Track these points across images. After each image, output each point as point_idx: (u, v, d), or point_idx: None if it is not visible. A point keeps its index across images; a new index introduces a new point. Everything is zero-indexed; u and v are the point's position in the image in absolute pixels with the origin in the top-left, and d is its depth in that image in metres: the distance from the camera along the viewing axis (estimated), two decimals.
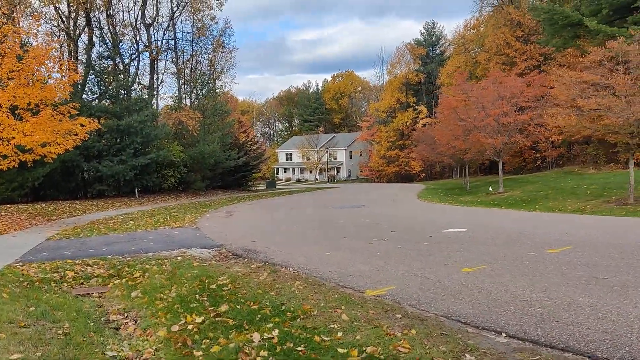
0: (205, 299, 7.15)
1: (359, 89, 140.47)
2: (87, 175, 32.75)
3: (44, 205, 26.13)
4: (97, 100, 33.73)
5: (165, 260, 10.50)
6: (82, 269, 10.17)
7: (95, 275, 9.77)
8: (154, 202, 32.25)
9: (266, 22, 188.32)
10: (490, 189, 27.81)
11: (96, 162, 30.72)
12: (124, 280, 9.15)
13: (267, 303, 6.43)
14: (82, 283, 9.42)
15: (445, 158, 38.96)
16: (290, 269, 8.45)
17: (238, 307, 6.45)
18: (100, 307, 8.04)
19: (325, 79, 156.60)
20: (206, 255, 10.96)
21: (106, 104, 34.15)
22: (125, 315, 7.48)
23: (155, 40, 42.01)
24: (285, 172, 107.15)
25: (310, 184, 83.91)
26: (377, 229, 13.47)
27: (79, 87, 31.67)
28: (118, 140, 32.29)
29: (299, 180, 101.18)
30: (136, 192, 33.41)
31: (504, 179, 43.29)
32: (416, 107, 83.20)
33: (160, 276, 9.14)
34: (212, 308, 6.57)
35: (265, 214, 21.65)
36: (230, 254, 10.88)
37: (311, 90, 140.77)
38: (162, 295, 7.81)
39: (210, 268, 9.38)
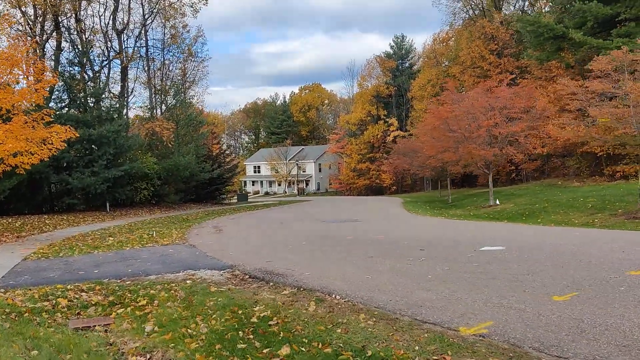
0: (251, 336, 5.84)
1: (327, 101, 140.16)
2: (55, 188, 30.66)
3: (10, 220, 24.12)
4: (66, 109, 31.77)
5: (173, 285, 9.11)
6: (76, 296, 8.70)
7: (93, 303, 8.32)
8: (127, 216, 30.41)
9: (229, 34, 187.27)
10: (497, 201, 27.08)
11: (66, 174, 28.76)
12: (128, 309, 7.74)
13: (341, 344, 5.17)
14: (78, 313, 7.95)
15: (427, 170, 38.32)
16: (338, 297, 7.19)
17: (303, 349, 5.16)
18: (111, 344, 6.66)
19: (292, 91, 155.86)
20: (219, 279, 9.60)
21: (75, 112, 32.20)
22: (148, 357, 6.11)
23: (126, 48, 40.22)
24: (253, 185, 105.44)
25: (280, 197, 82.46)
26: (399, 246, 12.33)
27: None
28: (89, 151, 30.36)
29: (267, 194, 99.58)
30: (107, 206, 31.47)
31: (483, 191, 42.94)
32: (387, 119, 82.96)
33: (174, 304, 7.79)
34: (269, 350, 5.27)
35: (257, 229, 20.25)
36: (248, 276, 9.54)
37: (278, 102, 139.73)
38: (187, 329, 6.47)
39: (235, 295, 8.05)
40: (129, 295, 8.57)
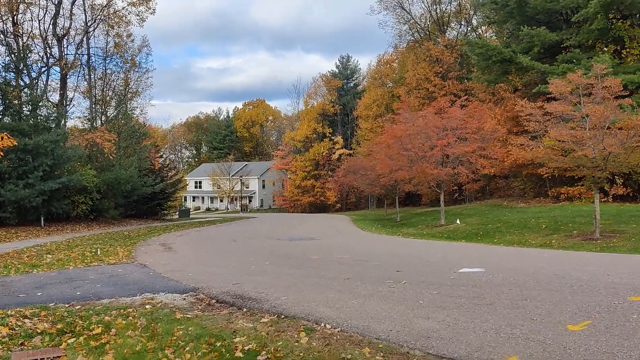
0: None
1: (271, 117, 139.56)
2: None
3: None
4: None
5: (131, 310, 8.11)
6: (19, 323, 7.58)
7: (39, 331, 7.24)
8: (64, 231, 28.51)
9: (169, 48, 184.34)
10: (458, 221, 26.94)
11: None
12: (81, 338, 6.74)
13: None
14: (22, 343, 6.85)
15: (376, 188, 38.18)
16: (329, 326, 6.43)
17: None
18: None
19: (236, 106, 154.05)
20: (182, 303, 8.64)
21: (9, 120, 30.08)
22: None
23: (66, 55, 38.23)
24: (194, 200, 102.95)
25: (222, 213, 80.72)
26: (370, 266, 11.70)
27: None
28: (24, 161, 28.30)
29: (208, 209, 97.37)
30: (42, 221, 29.42)
31: (430, 210, 43.22)
32: (332, 137, 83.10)
33: (135, 333, 6.84)
34: None
35: (211, 246, 19.15)
36: (215, 301, 8.63)
37: (222, 117, 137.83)
38: None
39: (206, 322, 7.16)
40: (80, 322, 7.53)
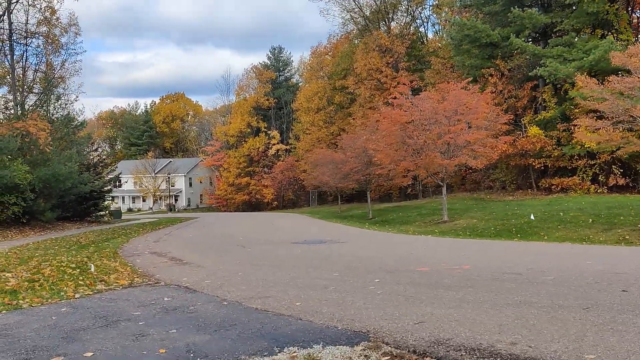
0: None
1: (192, 112, 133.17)
2: None
3: None
4: None
5: None
6: None
7: None
8: None
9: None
10: (532, 216, 24.03)
11: None
12: None
13: None
14: None
15: (350, 183, 35.14)
16: None
17: None
18: None
19: (153, 100, 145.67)
20: None
21: None
22: None
23: None
24: (113, 200, 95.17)
25: (148, 213, 74.45)
26: (466, 278, 8.50)
27: None
28: None
29: (130, 210, 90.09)
30: None
31: (391, 206, 40.71)
32: (268, 132, 79.18)
33: None
34: None
35: (231, 256, 14.56)
36: (414, 354, 5.08)
37: (139, 111, 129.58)
38: None
39: None
40: None
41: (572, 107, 29.33)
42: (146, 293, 9.00)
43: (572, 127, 30.12)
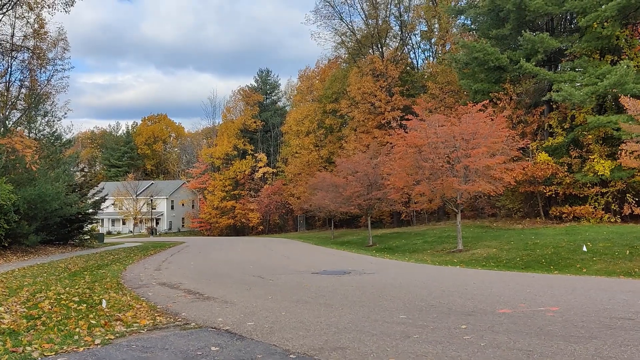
0: None
1: (174, 134, 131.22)
2: None
3: None
4: None
5: None
6: None
7: None
8: None
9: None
10: (585, 248, 22.46)
11: None
12: None
13: None
14: None
15: (351, 208, 33.72)
16: None
17: None
18: None
19: (135, 121, 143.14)
20: None
21: None
22: None
23: None
24: (98, 223, 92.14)
25: (128, 237, 71.93)
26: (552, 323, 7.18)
27: None
28: None
29: (110, 233, 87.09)
30: None
31: (386, 232, 39.25)
32: (255, 154, 77.62)
33: None
34: None
35: (260, 290, 12.70)
36: None
37: (120, 132, 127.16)
38: None
39: None
40: None
41: (584, 133, 28.57)
42: (183, 339, 7.40)
43: (585, 154, 29.42)
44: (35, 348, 7.23)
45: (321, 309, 9.44)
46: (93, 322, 8.95)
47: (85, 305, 10.59)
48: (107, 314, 9.63)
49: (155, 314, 9.55)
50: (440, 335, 6.88)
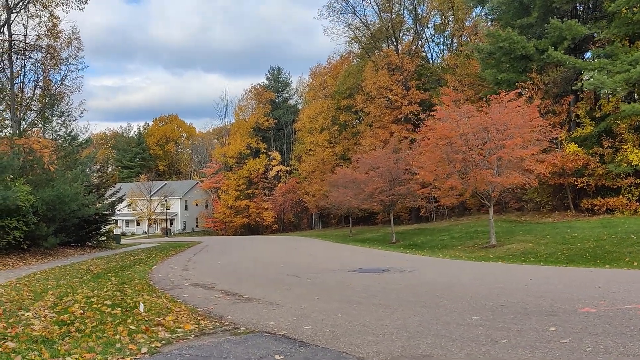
0: None
1: (185, 134, 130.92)
2: None
3: None
4: None
5: None
6: None
7: None
8: None
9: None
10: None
11: None
12: None
13: None
14: None
15: (374, 204, 32.92)
16: None
17: None
18: None
19: (146, 122, 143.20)
20: None
21: None
22: None
23: None
24: (115, 223, 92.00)
25: (143, 238, 71.70)
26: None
27: None
28: None
29: (124, 234, 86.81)
30: None
31: (408, 229, 38.41)
32: (269, 153, 76.95)
33: None
34: None
35: (313, 295, 11.97)
36: None
37: (131, 134, 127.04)
38: None
39: None
40: None
41: (617, 122, 27.58)
42: (239, 346, 6.68)
43: (618, 143, 28.44)
44: (76, 359, 6.55)
45: (379, 310, 8.67)
46: (132, 327, 8.26)
47: (119, 309, 9.90)
48: (146, 319, 8.94)
49: (199, 318, 8.86)
50: (531, 339, 6.11)
